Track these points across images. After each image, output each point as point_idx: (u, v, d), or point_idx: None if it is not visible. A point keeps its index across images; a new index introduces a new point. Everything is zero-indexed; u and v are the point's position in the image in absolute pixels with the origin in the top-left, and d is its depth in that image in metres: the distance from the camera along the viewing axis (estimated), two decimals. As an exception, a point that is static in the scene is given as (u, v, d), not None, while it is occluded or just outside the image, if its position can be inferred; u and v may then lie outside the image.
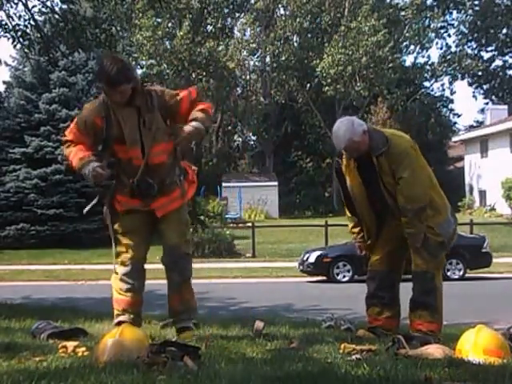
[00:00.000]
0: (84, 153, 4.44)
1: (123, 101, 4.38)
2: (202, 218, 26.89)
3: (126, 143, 4.42)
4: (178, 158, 4.63)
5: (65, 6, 11.80)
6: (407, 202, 4.70)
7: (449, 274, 16.79)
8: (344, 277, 17.23)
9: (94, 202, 4.62)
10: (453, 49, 47.08)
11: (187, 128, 4.41)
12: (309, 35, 42.95)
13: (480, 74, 47.98)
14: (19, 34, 10.98)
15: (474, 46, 49.60)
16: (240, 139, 50.37)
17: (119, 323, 4.44)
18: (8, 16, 11.09)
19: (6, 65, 27.92)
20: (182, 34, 37.54)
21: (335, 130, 4.85)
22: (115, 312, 4.63)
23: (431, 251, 4.76)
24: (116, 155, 4.50)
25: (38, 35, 11.35)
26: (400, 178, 4.68)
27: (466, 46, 47.98)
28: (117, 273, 4.61)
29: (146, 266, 4.70)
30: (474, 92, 53.42)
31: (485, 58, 49.12)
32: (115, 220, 4.61)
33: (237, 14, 43.35)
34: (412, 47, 45.61)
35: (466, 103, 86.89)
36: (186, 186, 4.67)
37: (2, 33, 11.00)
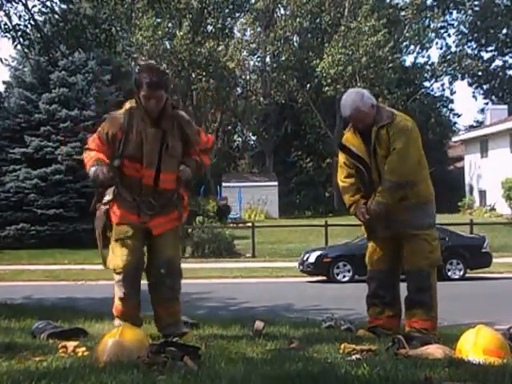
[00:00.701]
0: (98, 156, 4.50)
1: (156, 110, 4.43)
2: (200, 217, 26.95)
3: (140, 162, 4.46)
4: (180, 185, 4.70)
5: (65, 6, 11.81)
6: (390, 174, 4.78)
7: (449, 274, 16.79)
8: (344, 277, 17.23)
9: (108, 197, 4.58)
10: (453, 49, 47.17)
11: (183, 171, 4.58)
12: (309, 35, 42.98)
13: (480, 74, 47.98)
14: (19, 33, 10.98)
15: (474, 46, 49.65)
16: (240, 139, 50.40)
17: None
18: (8, 16, 11.09)
19: (6, 65, 27.91)
20: (181, 34, 37.53)
21: (344, 97, 4.99)
22: (114, 314, 4.73)
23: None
24: (124, 170, 4.52)
25: (38, 35, 11.35)
26: (393, 149, 4.78)
27: (465, 46, 48.02)
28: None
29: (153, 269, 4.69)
30: (473, 92, 53.50)
31: (485, 58, 49.20)
32: (107, 229, 4.64)
33: (237, 14, 43.33)
34: (412, 47, 45.66)
35: (466, 103, 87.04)
36: (182, 210, 4.73)
37: (2, 33, 11.00)
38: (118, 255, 4.57)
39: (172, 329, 4.59)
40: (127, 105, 4.59)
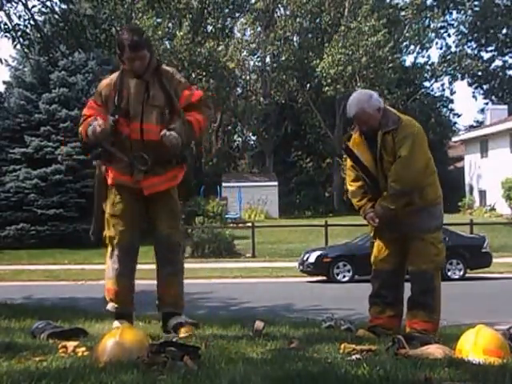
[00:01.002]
0: (90, 118, 4.48)
1: (141, 69, 4.42)
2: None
3: (129, 117, 4.44)
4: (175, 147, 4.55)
5: (65, 6, 11.80)
6: (395, 181, 4.74)
7: (449, 273, 16.80)
8: (344, 277, 17.24)
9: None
10: (453, 49, 47.15)
11: (166, 136, 4.36)
12: (309, 35, 42.98)
13: (480, 74, 47.98)
14: (19, 34, 10.98)
15: (474, 46, 49.65)
16: (240, 139, 50.41)
17: (117, 317, 4.58)
18: (8, 16, 11.09)
19: (6, 65, 27.90)
20: (182, 34, 37.53)
21: (352, 96, 4.98)
22: (106, 298, 4.68)
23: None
24: (118, 128, 4.47)
25: (38, 35, 11.34)
26: (398, 156, 4.73)
27: (465, 46, 48.01)
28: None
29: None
30: (473, 92, 53.50)
31: (485, 58, 49.20)
32: (102, 192, 4.63)
33: (237, 14, 43.36)
34: (412, 47, 45.64)
35: (466, 103, 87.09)
36: (177, 170, 4.64)
37: (2, 33, 11.00)
38: (113, 231, 4.56)
39: (170, 308, 4.56)
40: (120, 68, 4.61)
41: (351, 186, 5.12)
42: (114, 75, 4.59)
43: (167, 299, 4.60)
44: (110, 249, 4.63)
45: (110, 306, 4.63)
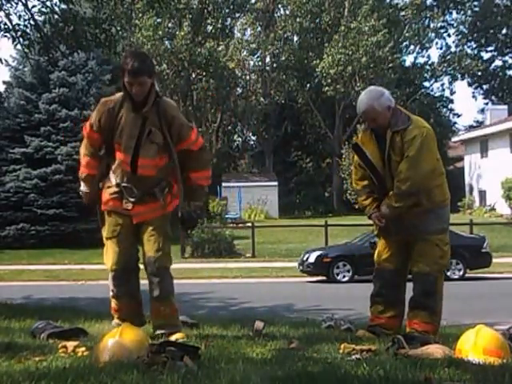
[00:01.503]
0: (88, 170, 4.67)
1: (141, 95, 4.39)
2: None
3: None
4: (168, 174, 4.61)
5: (65, 6, 11.78)
6: (401, 182, 4.70)
7: (449, 273, 16.77)
8: (344, 277, 17.23)
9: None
10: (453, 49, 47.17)
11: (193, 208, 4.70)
12: (309, 35, 42.95)
13: (480, 74, 47.98)
14: (19, 34, 10.97)
15: (474, 46, 49.66)
16: (240, 139, 50.39)
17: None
18: (8, 16, 11.08)
19: (6, 65, 27.88)
20: (182, 34, 37.52)
21: (363, 93, 4.95)
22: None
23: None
24: (113, 153, 4.53)
25: (38, 35, 11.33)
26: (406, 156, 4.69)
27: (465, 46, 48.02)
28: None
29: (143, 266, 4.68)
30: (473, 92, 53.46)
31: (485, 58, 49.21)
32: (104, 222, 4.69)
33: (237, 14, 43.33)
34: (412, 47, 45.67)
35: (466, 103, 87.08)
36: (169, 198, 4.63)
37: (2, 33, 10.98)
38: (108, 254, 4.60)
39: (161, 331, 4.50)
40: (119, 94, 4.60)
41: (357, 185, 5.09)
42: (113, 100, 4.54)
43: (158, 321, 4.57)
44: (108, 270, 4.68)
45: (114, 322, 4.68)
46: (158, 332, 4.50)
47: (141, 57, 4.46)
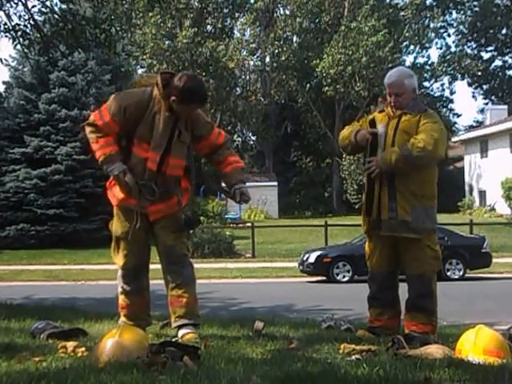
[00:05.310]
0: (110, 148, 4.39)
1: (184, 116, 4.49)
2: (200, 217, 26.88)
3: (149, 143, 4.41)
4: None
5: (64, 6, 11.79)
6: (416, 147, 4.66)
7: (449, 273, 16.80)
8: (344, 277, 17.23)
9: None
10: (452, 49, 47.24)
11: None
12: (309, 35, 42.97)
13: (480, 74, 47.98)
14: (19, 34, 10.96)
15: (474, 46, 49.69)
16: (240, 139, 50.38)
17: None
18: (8, 16, 11.08)
19: (6, 65, 27.87)
20: (183, 34, 37.52)
21: (394, 69, 5.14)
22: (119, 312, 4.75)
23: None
24: (132, 150, 4.45)
25: (38, 35, 11.33)
26: (424, 123, 4.75)
27: (465, 46, 48.05)
28: None
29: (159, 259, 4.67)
30: (473, 92, 53.49)
31: (484, 58, 49.22)
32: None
33: (237, 14, 43.34)
34: (412, 47, 45.66)
35: (466, 103, 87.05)
36: (183, 192, 4.67)
37: (2, 33, 10.99)
38: (120, 253, 4.59)
39: (183, 321, 4.46)
40: (149, 88, 4.49)
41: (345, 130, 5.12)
42: (144, 94, 4.46)
43: (179, 311, 4.51)
44: (118, 268, 4.66)
45: (121, 320, 4.66)
46: (180, 323, 4.45)
47: (204, 87, 4.60)
